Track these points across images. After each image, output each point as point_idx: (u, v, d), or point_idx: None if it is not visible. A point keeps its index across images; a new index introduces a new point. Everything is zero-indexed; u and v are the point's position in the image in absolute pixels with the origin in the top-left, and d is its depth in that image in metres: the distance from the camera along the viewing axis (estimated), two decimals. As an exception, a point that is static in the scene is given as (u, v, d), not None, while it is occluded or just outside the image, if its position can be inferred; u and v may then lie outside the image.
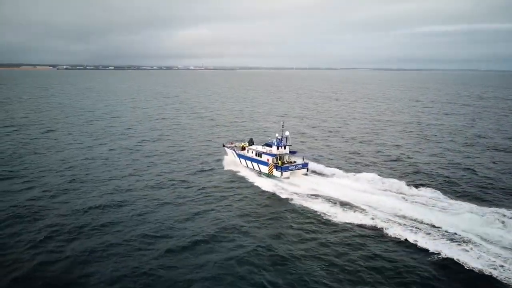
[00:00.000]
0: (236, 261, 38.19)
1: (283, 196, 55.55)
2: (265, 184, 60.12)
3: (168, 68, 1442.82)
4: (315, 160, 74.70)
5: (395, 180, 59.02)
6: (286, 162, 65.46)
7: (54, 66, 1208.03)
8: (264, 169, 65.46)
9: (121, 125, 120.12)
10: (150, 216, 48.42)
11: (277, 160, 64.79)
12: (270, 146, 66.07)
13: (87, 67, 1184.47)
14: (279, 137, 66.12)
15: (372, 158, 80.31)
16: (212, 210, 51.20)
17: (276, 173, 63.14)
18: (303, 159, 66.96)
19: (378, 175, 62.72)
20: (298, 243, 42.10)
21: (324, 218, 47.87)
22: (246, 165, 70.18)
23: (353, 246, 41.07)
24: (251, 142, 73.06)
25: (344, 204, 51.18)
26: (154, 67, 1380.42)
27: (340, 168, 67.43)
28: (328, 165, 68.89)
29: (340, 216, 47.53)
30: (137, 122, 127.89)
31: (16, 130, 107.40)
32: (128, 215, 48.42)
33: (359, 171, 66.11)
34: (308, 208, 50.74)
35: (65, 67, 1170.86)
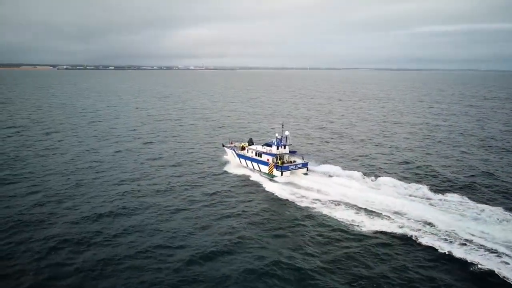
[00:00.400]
0: (258, 276, 35.66)
1: (300, 202, 52.84)
2: (279, 189, 57.65)
3: (168, 68, 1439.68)
4: (329, 162, 72.11)
5: (418, 185, 56.43)
6: (286, 161, 64.92)
7: (54, 66, 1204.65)
8: (264, 169, 64.92)
9: (125, 126, 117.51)
10: (163, 225, 45.80)
11: (277, 160, 64.21)
12: (270, 146, 65.72)
13: (87, 67, 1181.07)
14: (279, 137, 65.68)
15: (386, 161, 77.74)
16: (227, 217, 48.63)
17: (276, 172, 62.65)
18: (303, 158, 66.53)
19: (398, 179, 60.26)
20: (322, 255, 39.51)
21: (349, 226, 45.26)
22: (246, 165, 69.27)
23: (383, 258, 38.52)
24: (250, 142, 72.48)
25: (369, 212, 48.44)
26: (154, 67, 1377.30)
27: (357, 171, 64.49)
28: (344, 168, 66.06)
29: (366, 224, 44.80)
30: (141, 123, 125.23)
31: (18, 132, 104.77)
32: (141, 224, 45.74)
33: (376, 175, 63.55)
34: (329, 215, 48.12)
35: (65, 67, 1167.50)
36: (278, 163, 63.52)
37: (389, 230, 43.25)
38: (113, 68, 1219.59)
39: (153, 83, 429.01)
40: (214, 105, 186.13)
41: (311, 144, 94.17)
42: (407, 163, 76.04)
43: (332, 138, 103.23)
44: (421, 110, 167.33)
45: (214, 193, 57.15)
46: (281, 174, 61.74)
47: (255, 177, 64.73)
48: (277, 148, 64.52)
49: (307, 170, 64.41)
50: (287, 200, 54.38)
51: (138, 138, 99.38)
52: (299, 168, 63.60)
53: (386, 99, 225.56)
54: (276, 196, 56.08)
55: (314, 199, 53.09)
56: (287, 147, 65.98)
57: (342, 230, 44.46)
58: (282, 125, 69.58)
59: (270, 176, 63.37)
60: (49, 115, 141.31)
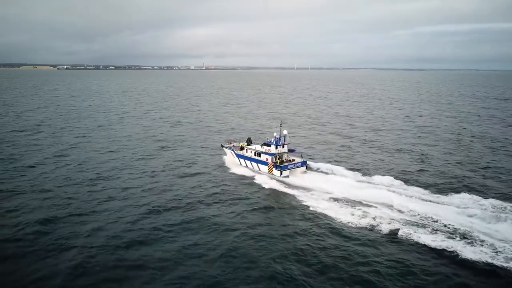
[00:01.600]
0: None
1: (360, 225, 43.73)
2: (319, 205, 49.47)
3: (169, 68, 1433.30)
4: (378, 173, 64.46)
5: (500, 202, 48.56)
6: (285, 160, 65.10)
7: (54, 66, 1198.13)
8: (264, 168, 65.11)
9: (141, 130, 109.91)
10: (212, 254, 37.80)
11: (276, 159, 64.27)
12: (269, 145, 65.69)
13: (88, 67, 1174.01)
14: (277, 136, 65.52)
15: (436, 173, 68.25)
16: (275, 244, 40.18)
17: (275, 172, 62.77)
18: (302, 157, 67.08)
19: (469, 193, 52.55)
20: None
21: (442, 255, 36.90)
22: (245, 165, 68.95)
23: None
24: (249, 142, 72.19)
25: (463, 236, 40.01)
26: (155, 67, 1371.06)
27: (422, 187, 56.19)
28: (405, 182, 58.01)
29: (463, 251, 36.68)
30: (158, 126, 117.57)
31: (26, 136, 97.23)
32: (188, 255, 37.59)
33: (444, 190, 55.26)
34: (413, 239, 39.82)
35: (65, 67, 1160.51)
36: (277, 162, 63.41)
37: (498, 263, 35.03)
38: (113, 68, 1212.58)
39: (156, 83, 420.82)
40: (225, 107, 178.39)
41: (339, 151, 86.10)
42: (464, 176, 64.81)
43: (364, 146, 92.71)
44: (441, 113, 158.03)
45: (266, 212, 49.26)
46: (281, 174, 61.85)
47: (294, 191, 55.71)
48: (276, 148, 64.52)
49: (306, 168, 65.03)
50: (331, 217, 46.17)
51: (157, 143, 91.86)
52: (298, 167, 64.18)
53: (397, 100, 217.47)
54: (316, 211, 47.81)
55: (389, 219, 44.69)
56: (285, 146, 66.01)
57: (433, 260, 36.30)
58: (280, 124, 68.51)
59: (270, 176, 63.12)
60: (56, 116, 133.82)
